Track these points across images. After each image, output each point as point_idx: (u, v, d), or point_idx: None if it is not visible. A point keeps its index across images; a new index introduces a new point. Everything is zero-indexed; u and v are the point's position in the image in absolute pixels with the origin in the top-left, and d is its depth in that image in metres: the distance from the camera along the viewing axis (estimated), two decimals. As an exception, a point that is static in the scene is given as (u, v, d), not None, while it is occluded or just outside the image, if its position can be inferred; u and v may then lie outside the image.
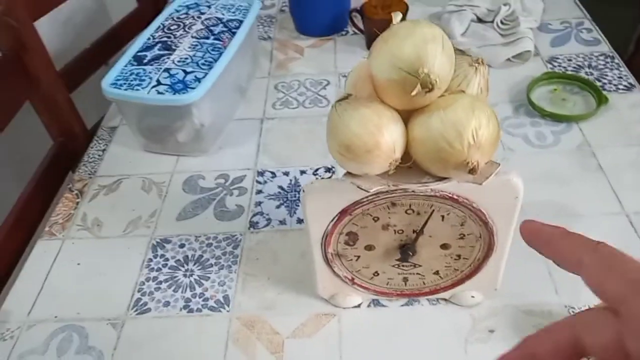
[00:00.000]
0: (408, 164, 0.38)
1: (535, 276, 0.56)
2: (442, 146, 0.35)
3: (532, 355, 0.22)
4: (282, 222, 0.64)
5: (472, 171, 0.35)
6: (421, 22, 0.35)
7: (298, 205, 0.66)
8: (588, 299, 0.53)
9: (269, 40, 0.95)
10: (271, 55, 0.91)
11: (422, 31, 0.34)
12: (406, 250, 0.48)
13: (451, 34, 0.87)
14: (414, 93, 0.34)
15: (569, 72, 0.79)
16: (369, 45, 0.90)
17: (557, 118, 0.72)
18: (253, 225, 0.64)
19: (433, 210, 0.44)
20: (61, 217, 0.67)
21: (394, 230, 0.47)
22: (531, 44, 0.82)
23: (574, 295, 0.54)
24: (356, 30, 0.93)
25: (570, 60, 0.83)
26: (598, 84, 0.77)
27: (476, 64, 0.39)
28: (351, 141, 0.36)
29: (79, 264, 0.62)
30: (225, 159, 0.73)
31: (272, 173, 0.70)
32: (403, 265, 0.50)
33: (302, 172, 0.70)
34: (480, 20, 0.90)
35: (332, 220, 0.46)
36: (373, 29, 0.89)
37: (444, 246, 0.48)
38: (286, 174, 0.70)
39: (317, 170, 0.70)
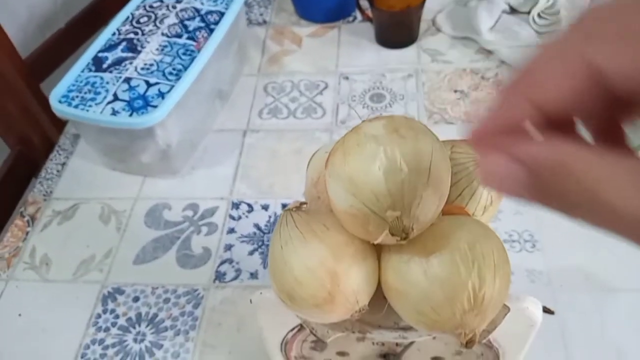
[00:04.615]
0: (380, 313, 0.27)
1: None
2: (425, 310, 0.24)
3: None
4: (254, 276, 0.54)
5: (467, 344, 0.25)
6: (403, 129, 0.23)
7: (275, 252, 0.56)
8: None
9: (263, 25, 0.82)
10: (263, 46, 0.79)
11: (399, 148, 0.22)
12: (387, 363, 0.38)
13: (477, 29, 0.72)
14: (378, 241, 0.22)
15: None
16: (378, 37, 0.76)
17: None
18: (219, 276, 0.54)
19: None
20: (8, 251, 0.59)
21: (372, 342, 0.37)
22: (573, 49, 0.67)
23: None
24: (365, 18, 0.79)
25: (619, 68, 0.68)
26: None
27: (486, 166, 0.27)
28: (294, 291, 0.25)
29: (20, 314, 0.54)
30: (197, 184, 0.63)
31: (249, 206, 0.60)
32: (385, 371, 0.40)
33: (284, 206, 0.59)
34: (513, 10, 0.75)
35: (291, 330, 0.36)
36: (383, 21, 0.76)
37: (436, 359, 0.38)
38: (265, 207, 0.59)
39: (301, 205, 0.59)
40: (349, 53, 0.76)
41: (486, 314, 0.24)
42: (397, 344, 0.37)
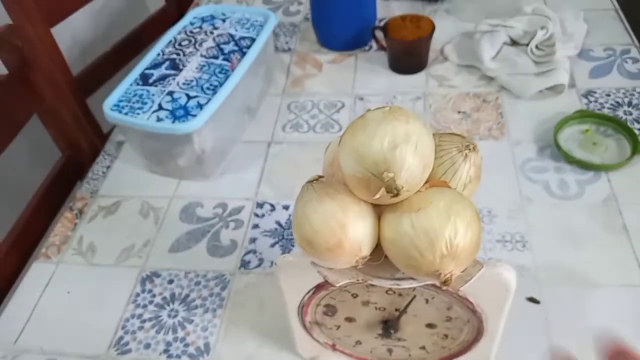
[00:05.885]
0: (378, 262, 0.34)
1: (533, 353, 0.51)
2: (412, 254, 0.31)
3: None
4: (275, 264, 0.61)
5: (444, 283, 0.31)
6: (397, 114, 0.31)
7: (293, 246, 0.63)
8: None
9: (288, 52, 0.92)
10: (288, 70, 0.88)
11: (394, 128, 0.30)
12: (388, 328, 0.45)
13: (480, 58, 0.81)
14: (377, 197, 0.30)
15: (605, 111, 0.72)
16: (391, 64, 0.85)
17: (584, 166, 0.66)
18: (244, 264, 0.61)
19: (415, 295, 0.41)
20: (58, 239, 0.67)
21: (375, 307, 0.44)
22: (566, 77, 0.75)
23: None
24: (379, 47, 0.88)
25: (608, 95, 0.75)
26: (637, 126, 0.70)
27: (466, 151, 0.35)
28: (311, 238, 0.33)
29: (69, 292, 0.61)
30: (226, 186, 0.71)
31: (272, 206, 0.67)
32: (387, 338, 0.47)
33: (303, 207, 0.67)
34: (514, 42, 0.83)
35: (307, 293, 0.43)
36: (396, 50, 0.84)
37: (430, 325, 0.44)
38: (286, 207, 0.67)
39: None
40: (364, 77, 0.85)
41: (460, 260, 0.31)
42: (395, 309, 0.43)
